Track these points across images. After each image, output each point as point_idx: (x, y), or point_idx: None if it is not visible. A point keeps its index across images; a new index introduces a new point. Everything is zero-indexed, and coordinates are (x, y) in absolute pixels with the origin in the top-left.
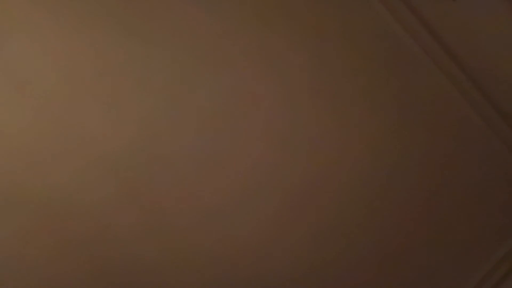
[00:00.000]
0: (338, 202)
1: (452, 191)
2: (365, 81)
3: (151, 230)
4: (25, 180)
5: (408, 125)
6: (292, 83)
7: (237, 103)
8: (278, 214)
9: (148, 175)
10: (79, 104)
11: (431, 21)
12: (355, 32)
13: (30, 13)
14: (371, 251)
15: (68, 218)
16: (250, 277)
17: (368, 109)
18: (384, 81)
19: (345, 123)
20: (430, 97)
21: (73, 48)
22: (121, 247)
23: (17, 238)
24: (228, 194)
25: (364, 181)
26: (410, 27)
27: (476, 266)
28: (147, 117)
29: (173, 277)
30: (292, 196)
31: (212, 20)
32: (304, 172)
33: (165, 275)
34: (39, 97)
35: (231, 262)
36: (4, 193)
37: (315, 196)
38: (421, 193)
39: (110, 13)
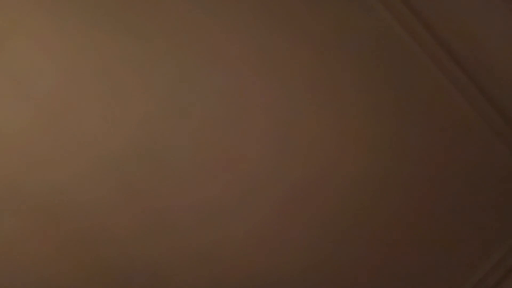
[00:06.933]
0: (336, 203)
1: (451, 190)
2: (365, 81)
3: (150, 229)
4: (24, 180)
5: (407, 124)
6: (291, 83)
7: (236, 103)
8: (277, 214)
9: (147, 175)
10: (79, 104)
11: (431, 21)
12: (355, 32)
13: (30, 13)
14: (369, 252)
15: (67, 217)
16: (248, 277)
17: (367, 109)
18: (383, 81)
19: (344, 123)
20: (429, 97)
21: (73, 48)
22: (119, 247)
23: (16, 238)
24: (226, 194)
25: (362, 181)
26: (409, 27)
27: (476, 266)
28: (146, 117)
29: (172, 276)
30: (290, 196)
31: (211, 20)
32: (302, 173)
33: (163, 274)
34: (39, 97)
35: (230, 261)
36: (3, 193)
37: (313, 196)
38: (420, 192)
39: (110, 13)
